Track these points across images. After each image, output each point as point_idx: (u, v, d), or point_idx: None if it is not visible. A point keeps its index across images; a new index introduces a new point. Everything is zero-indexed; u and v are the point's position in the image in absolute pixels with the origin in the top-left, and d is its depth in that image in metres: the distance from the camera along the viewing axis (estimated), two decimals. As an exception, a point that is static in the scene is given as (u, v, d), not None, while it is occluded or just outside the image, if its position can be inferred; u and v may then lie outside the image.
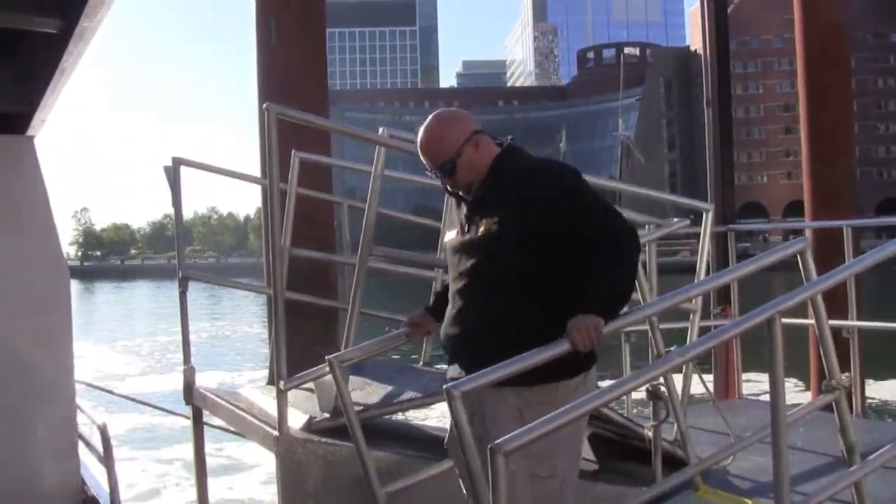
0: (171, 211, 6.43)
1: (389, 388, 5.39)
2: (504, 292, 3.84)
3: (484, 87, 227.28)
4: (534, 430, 2.84)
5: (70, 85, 6.90)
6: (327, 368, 4.22)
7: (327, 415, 4.77)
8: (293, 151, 6.10)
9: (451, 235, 4.19)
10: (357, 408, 4.85)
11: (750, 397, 9.27)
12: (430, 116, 4.23)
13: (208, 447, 6.48)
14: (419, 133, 4.23)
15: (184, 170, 6.24)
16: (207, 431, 6.50)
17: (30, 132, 7.70)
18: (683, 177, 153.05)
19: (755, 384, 11.64)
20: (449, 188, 4.24)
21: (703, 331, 5.79)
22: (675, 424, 5.03)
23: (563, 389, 3.70)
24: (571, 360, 3.60)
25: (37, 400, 5.90)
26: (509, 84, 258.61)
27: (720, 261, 9.55)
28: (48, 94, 6.90)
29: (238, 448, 14.72)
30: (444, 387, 2.85)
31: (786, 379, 3.39)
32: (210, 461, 6.58)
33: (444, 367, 4.04)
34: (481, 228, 3.99)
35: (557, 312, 3.62)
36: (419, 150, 4.20)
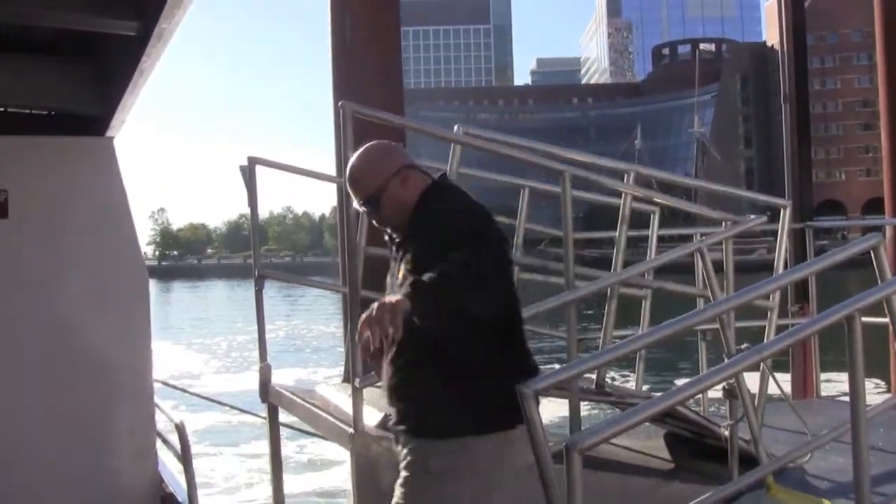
0: (246, 210, 6.50)
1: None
2: (415, 344, 3.52)
3: (558, 84, 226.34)
4: (613, 426, 2.82)
5: (148, 86, 7.02)
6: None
7: (402, 412, 4.78)
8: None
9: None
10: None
11: (829, 397, 9.12)
12: (360, 149, 3.98)
13: (284, 444, 6.54)
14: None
15: (259, 169, 6.30)
16: (283, 429, 6.56)
17: (109, 133, 7.85)
18: (760, 174, 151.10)
19: (835, 385, 11.45)
20: (377, 225, 3.99)
21: (781, 329, 5.72)
22: (749, 424, 4.97)
23: (477, 446, 3.50)
24: (484, 410, 3.46)
25: (117, 399, 6.01)
26: (584, 82, 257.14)
27: (798, 258, 9.43)
28: (127, 96, 7.02)
29: (313, 445, 14.83)
30: (517, 386, 2.85)
31: (866, 379, 3.33)
32: (286, 458, 6.63)
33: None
34: (400, 273, 3.78)
35: (471, 365, 3.52)
36: (346, 184, 4.00)
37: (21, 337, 7.05)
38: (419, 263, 3.56)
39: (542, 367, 3.62)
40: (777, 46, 12.99)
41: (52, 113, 8.00)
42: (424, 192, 3.84)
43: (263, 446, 6.76)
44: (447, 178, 4.01)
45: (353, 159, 3.95)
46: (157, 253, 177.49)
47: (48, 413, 6.03)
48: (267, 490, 7.71)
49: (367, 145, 3.96)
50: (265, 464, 6.61)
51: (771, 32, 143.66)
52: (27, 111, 7.96)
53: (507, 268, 3.76)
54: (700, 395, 6.51)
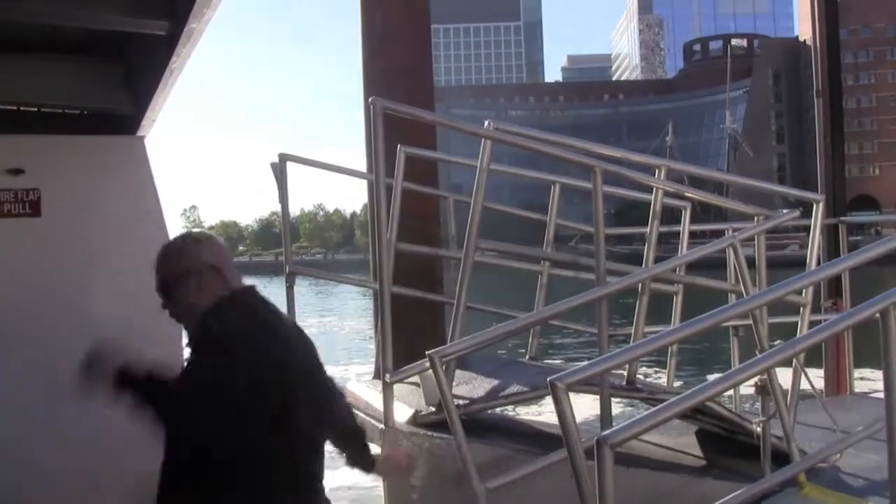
0: (278, 208, 6.51)
1: (495, 383, 5.38)
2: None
3: (589, 81, 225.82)
4: (644, 421, 2.80)
5: (178, 85, 7.07)
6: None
7: (433, 408, 4.79)
8: (399, 146, 6.12)
9: None
10: (462, 402, 4.87)
11: (863, 393, 9.04)
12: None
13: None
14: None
15: (291, 166, 6.32)
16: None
17: (140, 132, 7.90)
18: (792, 170, 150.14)
19: (869, 382, 11.36)
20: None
21: (814, 325, 5.67)
22: (781, 420, 4.93)
23: None
24: None
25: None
26: (615, 78, 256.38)
27: (831, 254, 9.36)
28: (157, 95, 7.07)
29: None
30: (549, 379, 2.83)
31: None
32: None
33: (551, 361, 4.02)
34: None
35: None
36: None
37: (54, 333, 7.11)
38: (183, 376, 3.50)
39: (571, 363, 3.60)
40: (809, 41, 12.90)
41: (85, 112, 8.06)
42: (217, 303, 3.55)
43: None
44: (251, 292, 3.68)
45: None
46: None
47: (80, 411, 6.07)
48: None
49: (191, 233, 3.84)
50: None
51: (803, 27, 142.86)
52: (60, 111, 8.03)
53: (252, 411, 3.34)
54: (732, 392, 6.47)
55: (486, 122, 5.15)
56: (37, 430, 6.76)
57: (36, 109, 7.97)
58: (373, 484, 13.10)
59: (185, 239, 3.74)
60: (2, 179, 7.27)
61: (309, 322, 47.95)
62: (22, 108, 7.97)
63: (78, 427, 6.34)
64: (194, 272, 3.57)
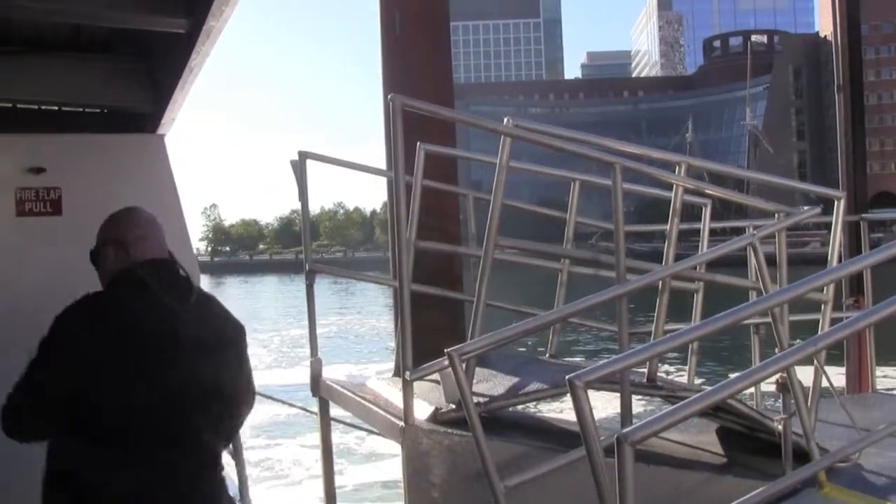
0: (298, 206, 6.52)
1: (515, 380, 5.38)
2: None
3: (609, 78, 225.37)
4: (664, 419, 2.79)
5: (198, 83, 7.09)
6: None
7: (453, 406, 4.79)
8: (418, 143, 6.12)
9: None
10: (482, 399, 4.87)
11: (885, 391, 8.99)
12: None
13: (335, 438, 6.57)
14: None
15: (311, 164, 6.33)
16: (334, 423, 6.58)
17: (160, 130, 7.93)
18: (813, 167, 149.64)
19: (891, 380, 11.30)
20: None
21: (835, 323, 5.63)
22: (800, 418, 4.90)
23: None
24: None
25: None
26: (634, 75, 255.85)
27: (852, 251, 9.32)
28: (177, 93, 7.09)
29: (365, 439, 14.90)
30: (567, 377, 2.83)
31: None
32: (337, 452, 6.66)
33: (570, 359, 4.02)
34: None
35: None
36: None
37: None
38: None
39: (591, 361, 3.60)
40: (830, 37, 12.84)
41: (105, 111, 8.09)
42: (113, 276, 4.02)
43: (315, 440, 6.80)
44: (133, 271, 3.99)
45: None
46: (209, 249, 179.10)
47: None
48: (318, 483, 7.75)
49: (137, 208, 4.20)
50: (316, 457, 6.64)
51: (824, 23, 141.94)
52: (80, 109, 8.06)
53: (55, 391, 3.78)
54: (753, 390, 6.45)
55: (506, 119, 5.14)
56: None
57: (56, 108, 8.01)
58: (393, 481, 13.15)
59: (130, 210, 4.22)
60: (23, 178, 7.30)
61: (332, 320, 48.11)
62: (43, 108, 8.01)
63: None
64: (112, 242, 4.09)
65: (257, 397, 4.25)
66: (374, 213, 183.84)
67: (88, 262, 7.37)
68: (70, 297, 7.27)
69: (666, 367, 19.45)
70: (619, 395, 4.74)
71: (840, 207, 5.92)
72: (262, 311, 59.31)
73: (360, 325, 48.90)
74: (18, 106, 7.95)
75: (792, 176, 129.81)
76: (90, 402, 3.66)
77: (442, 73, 7.48)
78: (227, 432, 4.11)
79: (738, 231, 6.67)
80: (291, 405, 10.62)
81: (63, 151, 7.46)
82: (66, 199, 7.40)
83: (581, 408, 2.82)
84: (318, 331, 6.48)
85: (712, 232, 6.71)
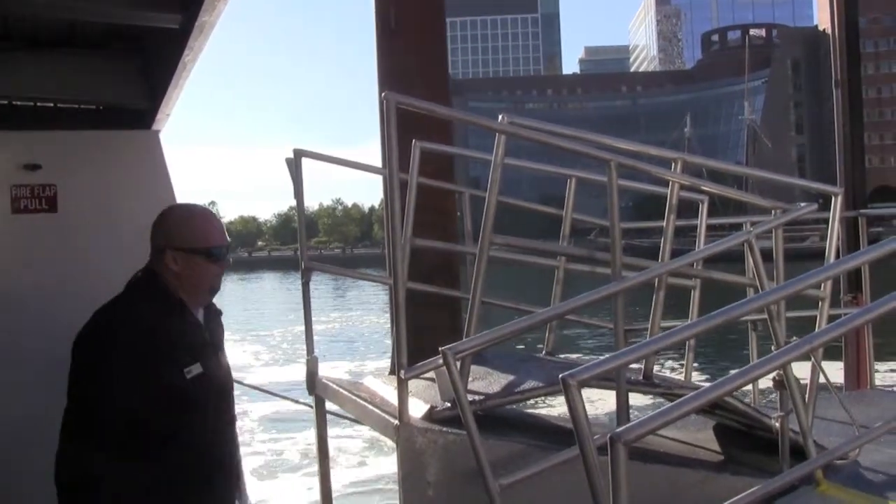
0: (295, 203, 6.51)
1: (511, 378, 5.37)
2: None
3: (607, 73, 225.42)
4: (659, 417, 2.78)
5: (193, 79, 7.07)
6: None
7: (448, 404, 4.78)
8: (414, 141, 6.10)
9: (195, 368, 4.01)
10: (477, 397, 4.85)
11: (884, 388, 8.98)
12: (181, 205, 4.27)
13: (331, 436, 6.54)
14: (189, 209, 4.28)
15: (307, 162, 6.31)
16: (330, 420, 6.57)
17: (155, 127, 7.91)
18: (812, 162, 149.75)
19: (891, 375, 11.29)
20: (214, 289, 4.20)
21: (833, 320, 5.61)
22: (797, 415, 4.88)
23: None
24: None
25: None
26: (633, 69, 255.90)
27: (851, 247, 9.30)
28: (171, 89, 7.08)
29: (360, 437, 14.92)
30: (560, 376, 2.81)
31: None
32: (332, 449, 6.65)
33: (568, 356, 4.00)
34: (222, 361, 4.14)
35: None
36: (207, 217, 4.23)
37: (71, 328, 7.12)
38: None
39: (589, 359, 3.58)
40: (829, 30, 12.81)
41: (100, 107, 8.08)
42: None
43: (310, 437, 6.78)
44: (141, 275, 4.17)
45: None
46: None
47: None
48: (314, 480, 7.75)
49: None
50: (312, 455, 6.63)
51: (823, 16, 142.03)
52: (76, 106, 8.05)
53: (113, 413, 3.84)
54: (751, 387, 6.43)
55: (501, 116, 5.12)
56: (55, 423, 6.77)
57: (52, 105, 7.99)
58: (388, 479, 13.15)
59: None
60: (18, 175, 7.29)
61: (333, 316, 48.13)
62: (38, 104, 7.99)
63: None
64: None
65: (255, 393, 4.40)
66: (372, 209, 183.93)
67: (84, 259, 7.36)
68: (66, 294, 7.27)
69: (670, 363, 19.46)
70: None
71: (837, 203, 5.90)
72: (261, 308, 59.33)
73: (360, 323, 48.93)
74: (14, 102, 7.94)
75: (791, 170, 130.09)
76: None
77: (437, 70, 7.47)
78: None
79: (736, 227, 6.66)
80: (292, 400, 10.62)
81: (58, 148, 7.45)
82: (61, 196, 7.39)
83: (575, 406, 2.80)
84: (318, 328, 6.47)
85: (710, 228, 6.70)
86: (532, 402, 6.77)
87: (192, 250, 4.04)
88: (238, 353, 31.47)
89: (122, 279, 7.08)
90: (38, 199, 7.35)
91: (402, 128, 4.76)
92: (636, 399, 5.08)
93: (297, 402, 9.64)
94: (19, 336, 7.08)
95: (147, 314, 4.00)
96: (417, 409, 4.80)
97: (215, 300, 4.41)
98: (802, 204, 5.71)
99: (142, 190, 7.65)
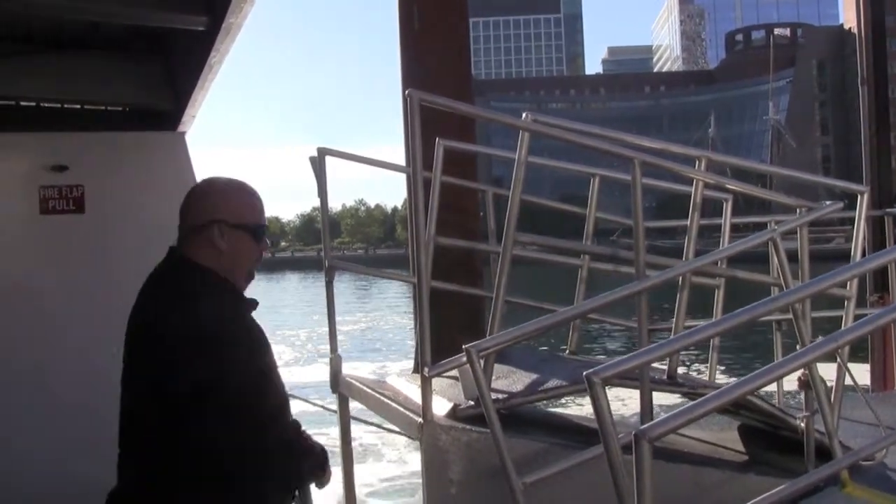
0: (318, 203, 6.52)
1: (535, 377, 5.36)
2: None
3: (630, 73, 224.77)
4: (683, 415, 2.78)
5: (218, 81, 7.11)
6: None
7: (471, 402, 4.78)
8: (437, 139, 6.11)
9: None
10: (501, 396, 4.85)
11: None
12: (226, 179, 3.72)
13: (355, 434, 6.56)
14: (237, 183, 3.73)
15: (331, 161, 6.33)
16: (354, 420, 6.58)
17: (181, 128, 7.97)
18: (837, 162, 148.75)
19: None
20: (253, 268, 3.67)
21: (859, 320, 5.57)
22: (822, 416, 4.86)
23: None
24: None
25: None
26: (656, 69, 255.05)
27: (876, 246, 9.24)
28: (197, 91, 7.12)
29: (384, 435, 14.93)
30: (585, 373, 2.81)
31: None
32: (356, 448, 6.66)
33: (593, 356, 3.99)
34: None
35: None
36: (253, 193, 3.73)
37: (100, 328, 7.18)
38: None
39: (612, 358, 3.57)
40: (855, 29, 12.75)
41: (127, 109, 8.14)
42: None
43: (334, 436, 6.79)
44: (179, 265, 3.57)
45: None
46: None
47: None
48: (337, 479, 7.76)
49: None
50: (335, 453, 6.65)
51: (848, 15, 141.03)
52: (102, 108, 8.12)
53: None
54: (776, 388, 6.41)
55: (524, 114, 5.12)
56: (84, 419, 6.82)
57: (79, 106, 8.06)
58: (411, 477, 13.15)
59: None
60: (46, 176, 7.36)
61: (358, 317, 48.17)
62: (65, 106, 8.06)
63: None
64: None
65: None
66: (395, 210, 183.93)
67: (110, 260, 7.42)
68: (92, 293, 7.33)
69: (697, 364, 19.39)
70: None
71: (863, 202, 5.87)
72: (285, 307, 59.43)
73: (385, 322, 48.98)
74: (41, 104, 8.01)
75: (816, 171, 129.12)
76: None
77: (461, 68, 7.47)
78: None
79: (760, 226, 6.63)
80: (313, 403, 10.63)
81: (85, 149, 7.52)
82: (88, 197, 7.45)
83: (599, 404, 2.80)
84: (345, 328, 6.47)
85: (734, 227, 6.67)
86: (555, 401, 6.76)
87: (241, 226, 3.56)
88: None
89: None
90: (66, 200, 7.42)
91: (425, 126, 4.77)
92: (660, 401, 5.06)
93: (314, 404, 9.64)
94: (46, 333, 7.14)
95: (235, 310, 3.51)
96: (441, 407, 4.81)
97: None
98: (828, 202, 5.69)
99: (168, 191, 7.67)
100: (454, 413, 4.77)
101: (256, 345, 3.45)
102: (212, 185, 3.70)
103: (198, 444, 3.10)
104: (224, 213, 3.54)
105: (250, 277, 3.68)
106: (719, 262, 5.62)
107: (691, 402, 2.88)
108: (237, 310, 3.49)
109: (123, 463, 3.40)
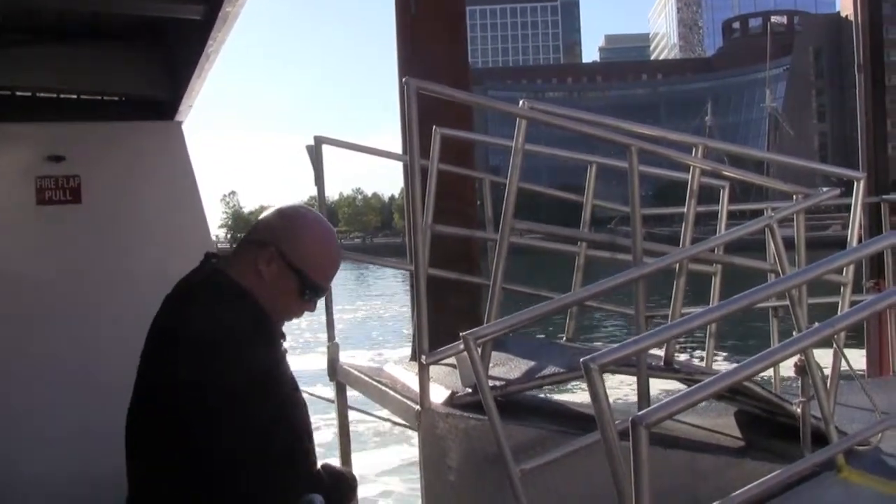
0: (316, 192, 6.51)
1: (532, 364, 5.37)
2: None
3: (627, 61, 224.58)
4: (679, 401, 2.79)
5: (215, 70, 7.10)
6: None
7: (469, 390, 4.79)
8: (434, 127, 6.10)
9: None
10: (498, 383, 4.86)
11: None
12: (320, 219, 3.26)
13: (352, 422, 6.56)
14: (328, 233, 3.27)
15: (327, 150, 6.33)
16: (351, 408, 6.58)
17: (177, 118, 7.96)
18: (834, 149, 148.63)
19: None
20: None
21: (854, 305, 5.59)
22: (818, 401, 4.87)
23: None
24: None
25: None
26: (653, 57, 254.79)
27: (873, 233, 9.25)
28: (194, 81, 7.11)
29: (382, 423, 14.95)
30: (581, 360, 2.81)
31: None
32: (354, 436, 6.67)
33: (590, 343, 3.99)
34: None
35: None
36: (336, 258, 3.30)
37: (96, 318, 7.19)
38: None
39: (609, 345, 3.57)
40: (852, 16, 12.74)
41: (123, 99, 8.13)
42: None
43: (332, 424, 6.80)
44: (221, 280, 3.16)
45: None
46: (228, 236, 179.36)
47: (125, 392, 6.13)
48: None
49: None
50: (333, 442, 6.66)
51: (845, 2, 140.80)
52: (99, 97, 8.10)
53: None
54: (772, 374, 6.42)
55: (521, 102, 5.12)
56: (80, 408, 6.83)
57: (75, 97, 8.04)
58: (409, 464, 13.17)
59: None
60: (43, 166, 7.35)
61: (357, 305, 48.17)
62: (62, 96, 8.05)
63: (118, 405, 6.41)
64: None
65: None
66: (392, 198, 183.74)
67: (107, 250, 7.42)
68: (90, 283, 7.33)
69: (697, 350, 19.41)
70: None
71: (860, 188, 5.88)
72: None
73: (384, 310, 48.99)
74: (37, 94, 8.00)
75: (813, 158, 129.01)
76: None
77: (458, 56, 7.47)
78: None
79: (757, 213, 6.64)
80: (309, 394, 10.61)
81: (82, 139, 7.51)
82: (85, 187, 7.45)
83: (596, 391, 2.81)
84: (343, 316, 6.48)
85: (731, 214, 6.68)
86: (552, 388, 6.77)
87: (296, 270, 3.12)
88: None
89: (146, 269, 7.15)
90: (63, 191, 7.41)
91: (422, 114, 4.77)
92: (656, 388, 5.07)
93: (312, 395, 9.63)
94: (43, 324, 7.15)
95: (259, 328, 3.13)
96: (439, 394, 4.82)
97: None
98: (824, 189, 5.69)
99: (164, 181, 7.71)
100: (452, 400, 4.78)
101: (279, 372, 3.12)
102: (302, 214, 3.26)
103: (209, 455, 2.89)
104: (289, 246, 3.14)
105: (280, 325, 3.25)
106: (716, 249, 5.63)
107: (688, 388, 2.90)
108: (264, 331, 3.14)
109: (130, 464, 3.29)
